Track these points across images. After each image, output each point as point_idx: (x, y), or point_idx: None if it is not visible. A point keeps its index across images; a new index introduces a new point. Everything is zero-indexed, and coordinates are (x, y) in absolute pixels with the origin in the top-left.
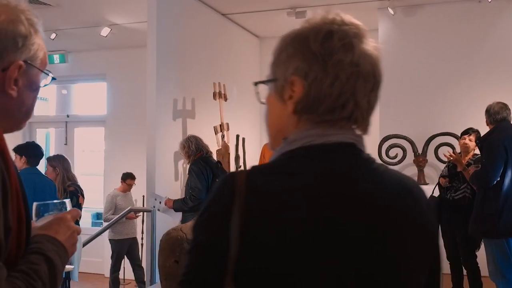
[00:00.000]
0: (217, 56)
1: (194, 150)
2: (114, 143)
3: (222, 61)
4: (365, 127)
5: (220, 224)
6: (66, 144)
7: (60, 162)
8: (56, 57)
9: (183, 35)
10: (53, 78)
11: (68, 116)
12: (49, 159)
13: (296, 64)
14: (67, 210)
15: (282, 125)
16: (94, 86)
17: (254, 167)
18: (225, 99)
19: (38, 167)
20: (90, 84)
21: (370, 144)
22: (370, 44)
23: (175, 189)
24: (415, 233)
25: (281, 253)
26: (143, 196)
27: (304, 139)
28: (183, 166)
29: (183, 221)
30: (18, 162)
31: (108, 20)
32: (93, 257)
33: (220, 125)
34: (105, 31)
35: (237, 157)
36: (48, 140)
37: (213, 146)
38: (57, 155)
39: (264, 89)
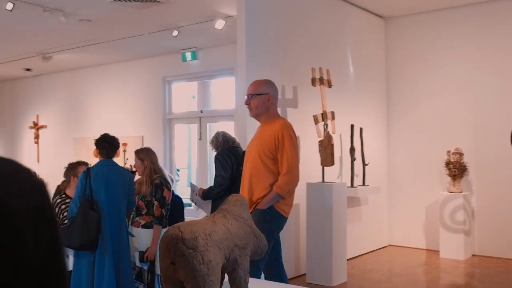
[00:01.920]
0: (325, 41)
1: (222, 141)
2: (242, 136)
3: (331, 46)
4: None
5: None
6: (200, 139)
7: (147, 155)
8: (188, 55)
9: (282, 22)
10: None
11: (201, 111)
12: (136, 152)
13: None
14: None
15: None
16: (225, 81)
17: None
18: (329, 86)
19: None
20: (221, 79)
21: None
22: None
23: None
24: None
25: None
26: None
27: None
28: None
29: (213, 208)
30: (96, 154)
31: (221, 13)
32: None
33: (322, 114)
34: (219, 24)
35: (352, 149)
36: (189, 135)
37: (313, 137)
38: (145, 148)
39: None
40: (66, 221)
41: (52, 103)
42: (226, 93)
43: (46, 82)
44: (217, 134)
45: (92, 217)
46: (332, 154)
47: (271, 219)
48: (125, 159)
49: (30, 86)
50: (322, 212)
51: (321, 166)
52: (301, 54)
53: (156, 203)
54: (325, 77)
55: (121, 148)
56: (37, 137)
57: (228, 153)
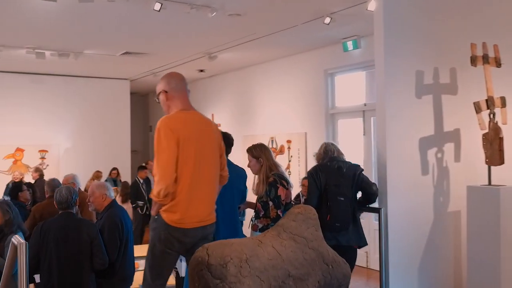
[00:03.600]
0: (491, 9)
1: (322, 154)
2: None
3: (501, 15)
4: None
5: None
6: (364, 134)
7: (262, 152)
8: (349, 44)
9: None
10: None
11: (365, 105)
12: (249, 150)
13: None
14: None
15: None
16: None
17: None
18: (497, 65)
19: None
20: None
21: None
22: None
23: (423, 185)
24: None
25: None
26: None
27: None
28: (437, 156)
29: None
30: None
31: None
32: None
33: (487, 101)
34: (372, 5)
35: None
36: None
37: (476, 129)
38: (258, 144)
39: None
40: None
41: (224, 102)
42: None
43: (218, 82)
44: (321, 145)
45: None
46: (501, 150)
47: (157, 227)
48: (289, 156)
49: (205, 86)
50: (486, 221)
51: (487, 166)
52: (457, 28)
53: (271, 203)
54: (490, 55)
55: (285, 146)
56: None
57: (318, 168)
